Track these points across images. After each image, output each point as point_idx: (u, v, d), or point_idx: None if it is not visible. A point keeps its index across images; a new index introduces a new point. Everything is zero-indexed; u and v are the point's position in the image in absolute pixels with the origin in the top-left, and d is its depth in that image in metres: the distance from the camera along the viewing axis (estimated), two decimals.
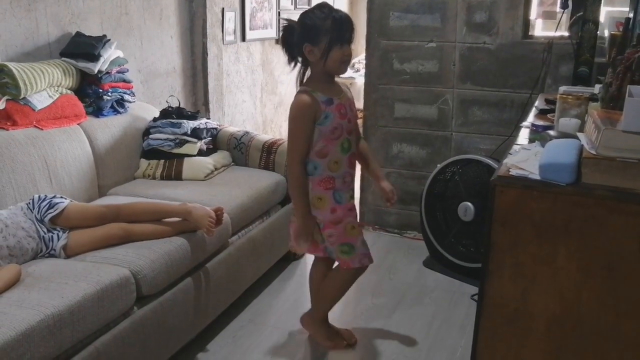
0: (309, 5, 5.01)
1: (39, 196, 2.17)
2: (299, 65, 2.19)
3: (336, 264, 2.39)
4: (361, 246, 2.30)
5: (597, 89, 2.40)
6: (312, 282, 2.53)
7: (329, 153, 2.18)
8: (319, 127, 2.14)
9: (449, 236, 3.17)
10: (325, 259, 2.42)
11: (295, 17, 2.16)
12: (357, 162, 2.36)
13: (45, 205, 2.12)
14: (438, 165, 3.22)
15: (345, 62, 2.12)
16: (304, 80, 2.20)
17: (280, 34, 2.18)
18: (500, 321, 1.60)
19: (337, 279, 2.39)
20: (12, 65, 2.43)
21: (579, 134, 1.81)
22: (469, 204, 3.01)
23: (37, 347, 1.62)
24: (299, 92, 2.16)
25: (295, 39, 2.11)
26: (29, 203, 2.15)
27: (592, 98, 2.13)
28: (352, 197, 2.32)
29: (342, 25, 2.06)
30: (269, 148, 3.18)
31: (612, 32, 2.80)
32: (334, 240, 2.26)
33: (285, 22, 2.16)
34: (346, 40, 2.09)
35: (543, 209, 1.48)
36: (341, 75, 6.40)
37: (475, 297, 2.33)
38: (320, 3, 2.15)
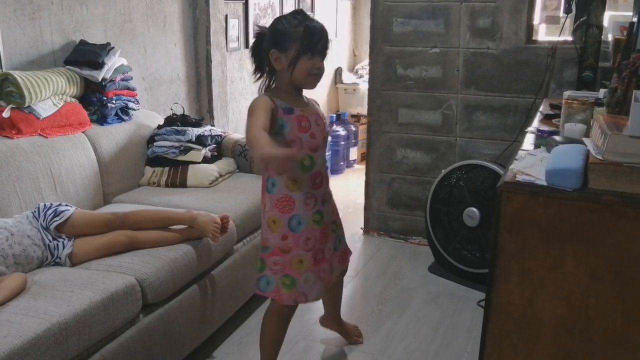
0: (312, 12, 5.02)
1: (45, 204, 2.17)
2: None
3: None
4: (303, 284, 2.05)
5: (601, 93, 2.40)
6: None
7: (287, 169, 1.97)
8: (275, 137, 1.90)
9: (454, 242, 3.16)
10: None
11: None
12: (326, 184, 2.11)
13: (51, 214, 2.12)
14: (443, 170, 3.22)
15: (314, 75, 1.96)
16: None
17: (252, 41, 2.03)
18: (508, 327, 1.59)
19: (271, 320, 2.15)
20: (16, 74, 2.44)
21: (585, 139, 1.81)
22: (474, 209, 3.01)
23: (43, 356, 1.62)
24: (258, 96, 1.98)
25: (264, 45, 1.98)
26: (35, 211, 2.15)
27: (598, 103, 2.13)
28: (321, 222, 2.06)
29: (314, 35, 1.92)
30: None
31: (616, 37, 2.79)
32: (278, 270, 2.03)
33: (257, 28, 2.02)
34: (317, 52, 1.94)
35: (550, 214, 1.47)
36: (344, 81, 6.33)
37: (482, 303, 2.33)
38: (296, 10, 2.02)
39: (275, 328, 2.17)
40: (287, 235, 2.01)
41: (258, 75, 2.04)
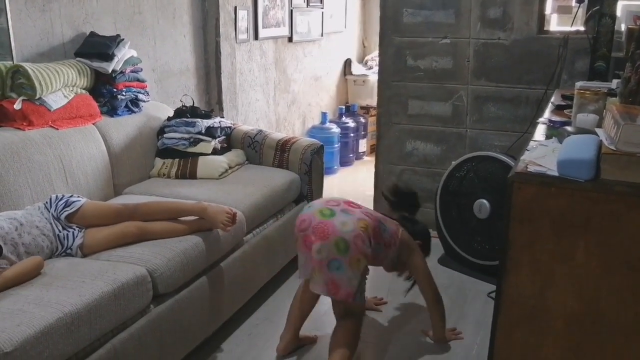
0: (321, 4, 5.00)
1: (57, 196, 2.18)
2: None
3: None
4: None
5: (614, 84, 2.37)
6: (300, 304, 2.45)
7: None
8: None
9: (463, 234, 3.15)
10: None
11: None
12: None
13: (62, 204, 2.14)
14: (453, 162, 3.20)
15: None
16: None
17: None
18: (518, 318, 1.59)
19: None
20: (27, 66, 2.45)
21: (597, 130, 1.79)
22: (484, 201, 2.99)
23: (55, 345, 1.63)
24: None
25: None
26: (47, 203, 2.16)
27: (610, 93, 2.11)
28: None
29: None
30: (283, 146, 3.18)
31: (630, 26, 2.75)
32: None
33: None
34: None
35: (561, 205, 1.46)
36: (354, 73, 6.30)
37: (492, 295, 2.32)
38: None
39: None
40: None
41: None
